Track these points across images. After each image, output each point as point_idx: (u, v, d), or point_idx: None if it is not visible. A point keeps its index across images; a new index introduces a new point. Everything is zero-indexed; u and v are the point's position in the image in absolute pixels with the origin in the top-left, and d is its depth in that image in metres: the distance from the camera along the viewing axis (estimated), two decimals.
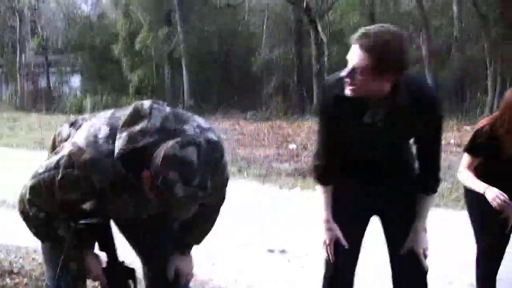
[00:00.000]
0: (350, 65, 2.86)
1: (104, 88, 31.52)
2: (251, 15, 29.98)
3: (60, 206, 2.77)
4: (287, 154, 13.06)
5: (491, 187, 3.99)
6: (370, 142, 3.19)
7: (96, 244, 3.13)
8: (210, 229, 3.28)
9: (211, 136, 2.74)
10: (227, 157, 3.00)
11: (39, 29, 33.92)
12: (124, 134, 2.58)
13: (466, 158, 4.19)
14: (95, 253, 3.03)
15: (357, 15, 28.39)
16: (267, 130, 18.29)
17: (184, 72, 27.86)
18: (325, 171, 3.36)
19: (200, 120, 2.82)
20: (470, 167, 4.17)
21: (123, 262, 3.11)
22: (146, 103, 2.71)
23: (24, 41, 34.27)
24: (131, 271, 3.09)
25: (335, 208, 3.40)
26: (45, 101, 31.13)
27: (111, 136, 2.66)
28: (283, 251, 6.00)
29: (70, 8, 36.62)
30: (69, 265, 2.94)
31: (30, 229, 2.91)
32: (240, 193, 8.96)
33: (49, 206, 2.78)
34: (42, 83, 34.97)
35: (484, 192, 4.01)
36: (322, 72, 23.62)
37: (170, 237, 3.26)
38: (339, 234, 3.34)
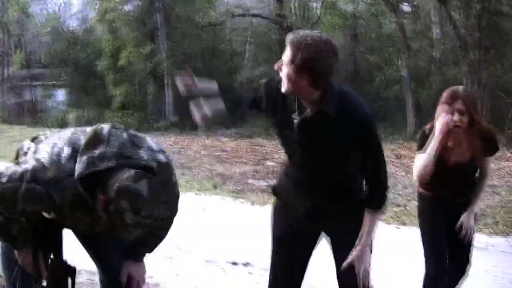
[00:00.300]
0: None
1: (88, 102, 31.59)
2: (234, 34, 30.21)
3: (21, 213, 3.01)
4: (264, 171, 13.20)
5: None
6: (300, 144, 3.37)
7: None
8: (163, 239, 3.53)
9: (161, 158, 3.11)
10: (176, 175, 3.31)
11: (24, 43, 34.05)
12: (84, 158, 2.87)
13: (417, 157, 4.33)
14: (30, 249, 3.26)
15: (340, 36, 28.71)
16: (247, 147, 18.40)
17: (167, 89, 28.01)
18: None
19: (152, 143, 3.16)
20: None
21: (65, 260, 3.40)
22: (106, 128, 3.01)
23: (8, 54, 34.38)
24: (72, 269, 3.38)
25: (280, 211, 3.69)
26: (29, 114, 31.22)
27: (73, 157, 2.93)
28: (246, 264, 6.20)
29: (56, 23, 36.80)
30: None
31: None
32: (212, 208, 9.18)
33: (10, 212, 3.00)
34: (27, 96, 35.05)
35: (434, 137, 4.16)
36: None
37: (124, 245, 3.48)
38: None
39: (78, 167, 2.86)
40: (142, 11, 29.41)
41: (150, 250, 3.54)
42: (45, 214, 3.09)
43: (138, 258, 3.51)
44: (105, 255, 3.61)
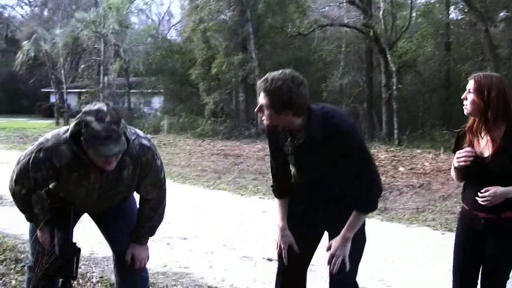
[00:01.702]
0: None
1: (182, 110, 32.44)
2: (324, 43, 30.37)
3: (34, 183, 3.73)
4: None
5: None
6: (297, 167, 3.74)
7: None
8: (159, 223, 4.11)
9: (144, 142, 3.79)
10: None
11: (122, 53, 35.27)
12: (75, 122, 3.54)
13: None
14: (49, 229, 3.95)
15: (431, 45, 28.46)
16: None
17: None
18: (276, 188, 4.00)
19: (139, 131, 3.85)
20: None
21: (75, 242, 4.03)
22: (98, 103, 3.61)
23: (107, 63, 35.73)
24: (78, 250, 4.02)
25: (289, 220, 3.97)
26: (126, 121, 32.18)
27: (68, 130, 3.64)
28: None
29: (154, 33, 38.04)
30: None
31: (17, 205, 3.96)
32: (272, 211, 9.49)
33: (27, 182, 3.75)
34: (124, 103, 36.32)
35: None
36: (391, 100, 23.83)
37: (129, 228, 4.11)
38: (293, 240, 3.89)
39: (70, 129, 3.55)
40: (234, 21, 30.06)
41: (151, 232, 4.11)
42: (51, 186, 3.83)
43: (140, 241, 4.06)
44: (116, 237, 4.20)
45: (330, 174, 3.67)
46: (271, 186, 4.06)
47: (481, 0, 22.83)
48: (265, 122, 3.56)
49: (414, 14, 28.51)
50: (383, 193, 10.27)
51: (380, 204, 9.62)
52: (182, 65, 34.04)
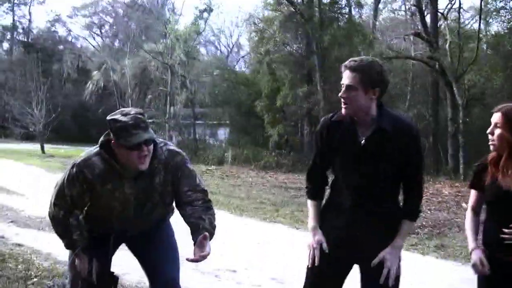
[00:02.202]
0: (344, 87, 3.56)
1: (247, 141, 32.57)
2: (390, 76, 30.10)
3: (71, 202, 3.87)
4: None
5: (477, 250, 3.72)
6: (357, 162, 3.66)
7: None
8: (214, 222, 3.88)
9: (173, 147, 3.96)
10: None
11: (188, 84, 35.66)
12: (104, 134, 3.76)
13: (471, 195, 4.02)
14: (87, 257, 3.98)
15: (501, 78, 27.89)
16: None
17: None
18: (311, 189, 4.00)
19: (168, 141, 4.01)
20: (474, 205, 4.00)
21: (113, 272, 4.08)
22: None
23: (174, 94, 36.11)
24: (116, 279, 4.07)
25: (324, 223, 3.89)
26: (191, 151, 32.47)
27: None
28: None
29: (221, 64, 38.39)
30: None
31: (55, 230, 4.05)
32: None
33: (64, 203, 3.88)
34: (190, 134, 36.61)
35: (470, 252, 3.79)
36: (457, 134, 23.42)
37: (167, 257, 4.13)
38: (323, 239, 3.78)
39: (101, 140, 3.78)
40: (300, 53, 30.11)
41: (211, 226, 3.82)
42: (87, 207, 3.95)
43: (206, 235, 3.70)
44: (153, 266, 4.19)
45: (384, 177, 3.64)
46: (306, 188, 4.04)
47: None
48: (344, 110, 3.59)
49: (483, 46, 28.12)
50: (441, 229, 10.15)
51: (437, 241, 9.63)
52: (248, 97, 34.23)
